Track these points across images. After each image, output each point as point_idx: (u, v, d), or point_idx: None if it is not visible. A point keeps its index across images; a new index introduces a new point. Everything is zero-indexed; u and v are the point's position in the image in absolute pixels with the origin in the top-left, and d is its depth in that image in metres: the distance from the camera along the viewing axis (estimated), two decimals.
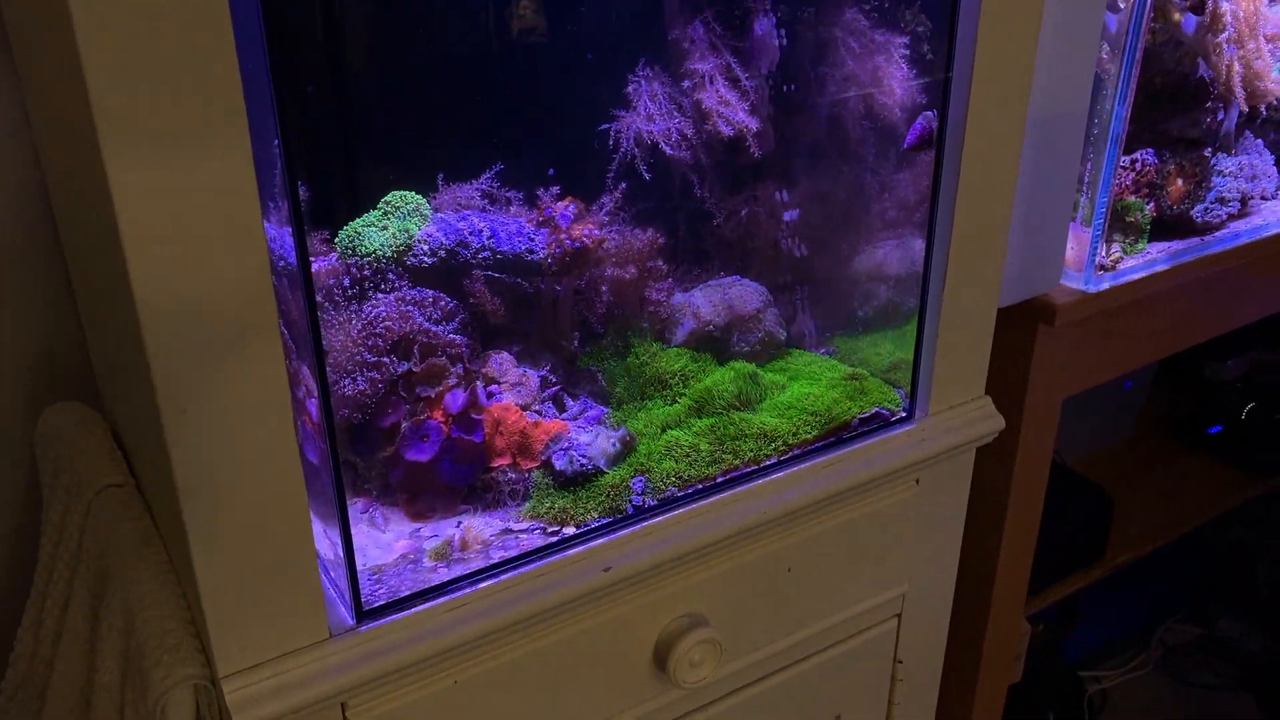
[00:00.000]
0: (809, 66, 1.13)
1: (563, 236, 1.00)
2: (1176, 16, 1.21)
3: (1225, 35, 1.20)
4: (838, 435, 1.05)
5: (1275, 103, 1.25)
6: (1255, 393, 2.13)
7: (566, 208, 1.03)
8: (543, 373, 1.03)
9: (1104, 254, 1.23)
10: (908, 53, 1.06)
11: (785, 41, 1.12)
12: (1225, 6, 1.19)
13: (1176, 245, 1.31)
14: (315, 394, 0.74)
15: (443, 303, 0.97)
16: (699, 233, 1.17)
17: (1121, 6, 1.11)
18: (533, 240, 1.01)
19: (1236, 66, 1.22)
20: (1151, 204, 1.29)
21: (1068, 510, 1.69)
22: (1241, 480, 2.00)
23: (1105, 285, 1.22)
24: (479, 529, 0.91)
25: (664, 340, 1.12)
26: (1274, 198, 1.44)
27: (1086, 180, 1.19)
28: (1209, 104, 1.28)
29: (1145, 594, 2.45)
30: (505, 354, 1.01)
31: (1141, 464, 2.02)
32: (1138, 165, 1.28)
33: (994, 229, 1.02)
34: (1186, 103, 1.28)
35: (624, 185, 1.05)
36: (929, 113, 1.01)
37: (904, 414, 1.09)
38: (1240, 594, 2.42)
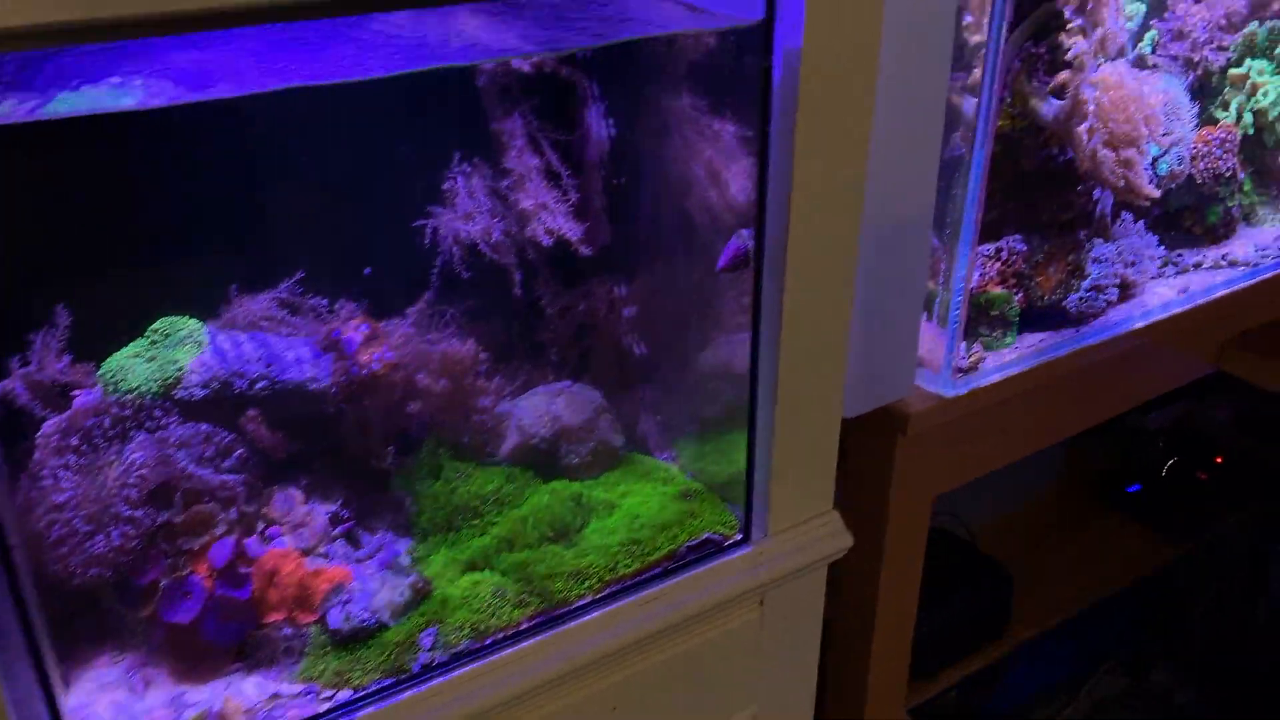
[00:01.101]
0: (641, 159, 1.08)
1: (348, 364, 0.95)
2: (1035, 103, 1.17)
3: (1086, 125, 1.15)
4: (664, 566, 1.00)
5: (1147, 198, 1.21)
6: (1178, 447, 2.10)
7: (357, 329, 0.97)
8: (333, 508, 0.97)
9: (964, 354, 1.18)
10: (744, 145, 1.01)
11: (615, 131, 1.07)
12: (1088, 94, 1.15)
13: (1050, 337, 1.26)
14: None
15: (218, 438, 0.91)
16: (527, 335, 1.12)
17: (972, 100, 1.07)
18: (317, 367, 0.96)
19: (1103, 155, 1.17)
20: (1020, 295, 1.25)
21: (965, 590, 1.65)
22: (1158, 544, 1.97)
23: (965, 389, 1.17)
24: (248, 694, 0.85)
25: (485, 456, 1.07)
26: (1160, 276, 1.40)
27: (942, 277, 1.14)
28: (1080, 188, 1.23)
29: (1075, 644, 2.42)
30: (293, 489, 0.96)
31: (1054, 527, 1.98)
32: (1004, 255, 1.24)
33: (829, 341, 0.97)
34: (1055, 187, 1.23)
35: (441, 288, 1.00)
36: (744, 230, 0.96)
37: (739, 536, 1.05)
38: (1174, 644, 2.39)
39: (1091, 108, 1.15)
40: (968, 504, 1.75)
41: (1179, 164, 1.35)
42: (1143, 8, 1.42)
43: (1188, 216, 1.44)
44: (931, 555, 1.69)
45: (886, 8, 0.86)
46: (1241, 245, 1.46)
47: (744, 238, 0.97)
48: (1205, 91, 1.47)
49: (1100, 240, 1.29)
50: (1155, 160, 1.34)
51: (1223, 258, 1.42)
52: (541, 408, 1.08)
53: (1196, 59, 1.44)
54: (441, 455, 1.05)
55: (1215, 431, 2.09)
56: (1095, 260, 1.27)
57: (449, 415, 1.05)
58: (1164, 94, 1.35)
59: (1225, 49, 1.45)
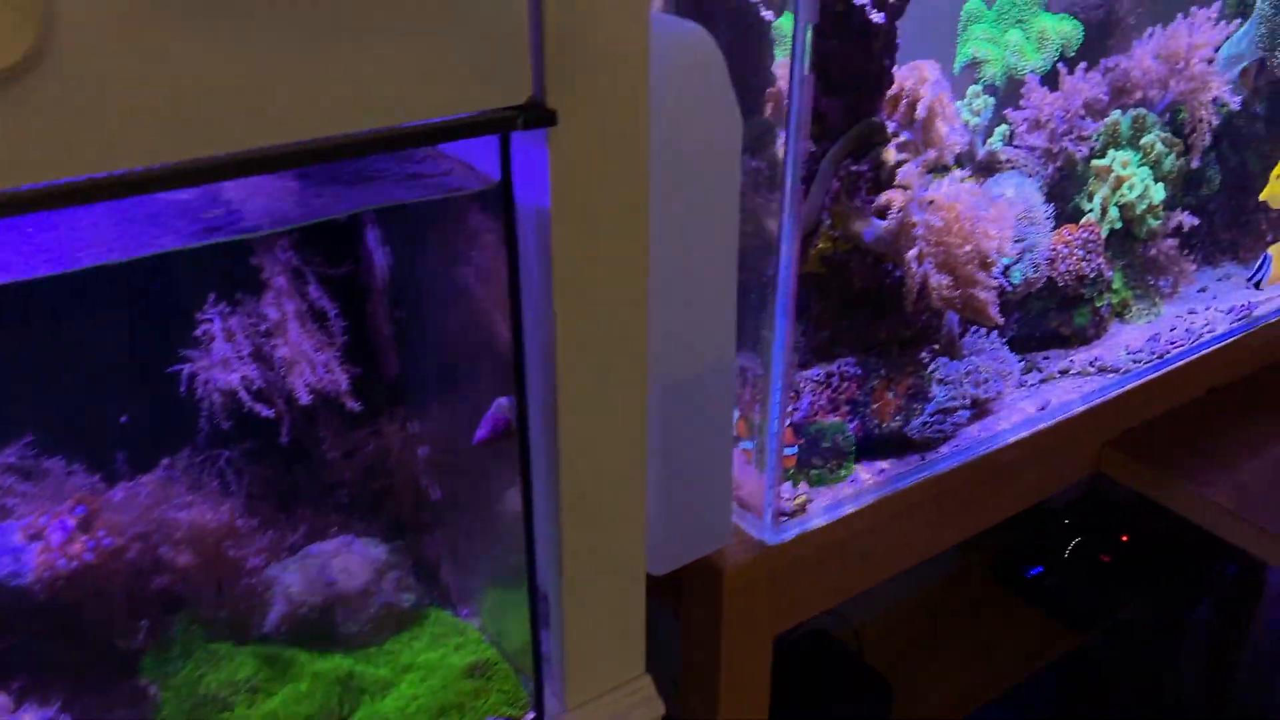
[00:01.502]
0: (426, 293, 0.99)
1: (53, 556, 0.84)
2: (857, 225, 1.08)
3: (915, 251, 1.06)
4: None
5: (991, 321, 1.12)
6: (1083, 525, 2.02)
7: (71, 513, 0.86)
8: (48, 715, 0.86)
9: (789, 495, 1.09)
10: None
11: (397, 265, 0.98)
12: (917, 217, 1.06)
13: (894, 466, 1.17)
14: None
15: None
16: (303, 485, 1.02)
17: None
18: (18, 560, 0.86)
19: (936, 280, 1.08)
20: (856, 423, 1.16)
21: (840, 707, 1.56)
22: (1059, 633, 1.89)
23: (792, 534, 1.08)
24: None
25: (248, 631, 0.96)
26: (1023, 386, 1.31)
27: (757, 416, 1.05)
28: (919, 306, 1.14)
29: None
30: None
31: (947, 620, 1.89)
32: (834, 381, 1.14)
33: (621, 498, 0.89)
34: (892, 306, 1.14)
35: (201, 439, 0.91)
36: (503, 400, 0.87)
37: (530, 716, 0.95)
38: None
39: (920, 231, 1.06)
40: (852, 599, 1.66)
41: (1035, 271, 1.27)
42: (991, 100, 1.34)
43: (1053, 318, 1.35)
44: (804, 666, 1.60)
45: (666, 137, 0.79)
46: (1113, 348, 1.38)
47: (504, 408, 0.87)
48: (1067, 185, 1.39)
49: (946, 359, 1.20)
50: (1007, 269, 1.25)
51: (1092, 363, 1.34)
52: (314, 571, 0.99)
53: (1056, 150, 1.35)
54: (194, 633, 0.95)
55: (1121, 506, 2.01)
56: (940, 382, 1.18)
57: (200, 587, 0.94)
58: (1014, 197, 1.27)
59: (1087, 138, 1.37)
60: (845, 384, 1.16)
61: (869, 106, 1.08)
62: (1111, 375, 1.34)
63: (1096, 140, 1.38)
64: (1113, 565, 1.96)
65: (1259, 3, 1.37)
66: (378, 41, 0.64)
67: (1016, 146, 1.37)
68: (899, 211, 1.07)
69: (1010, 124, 1.38)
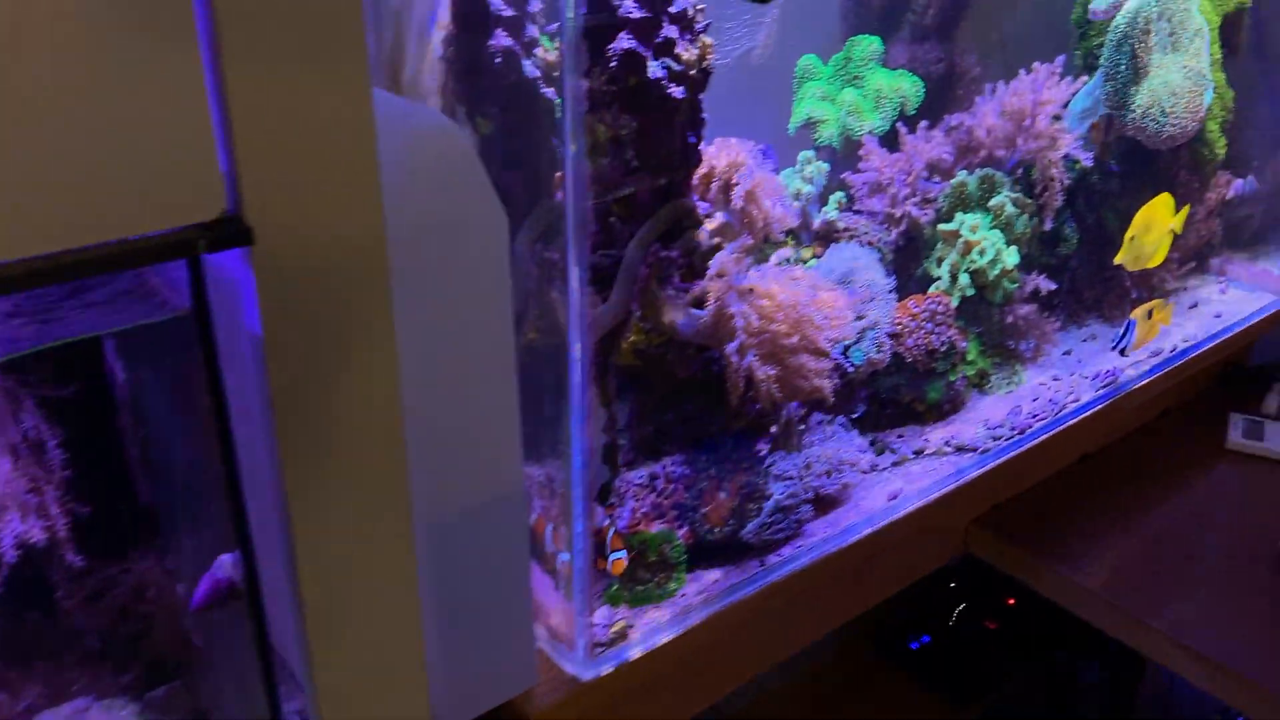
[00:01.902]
0: (168, 409, 0.87)
1: None
2: (670, 316, 0.97)
3: (735, 345, 0.96)
4: None
5: (826, 406, 1.02)
6: (968, 590, 1.94)
7: None
8: None
9: (607, 620, 0.97)
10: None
11: (132, 378, 0.85)
12: (735, 308, 0.96)
13: (731, 574, 1.07)
14: None
15: None
16: (38, 637, 0.88)
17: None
18: None
19: (762, 373, 0.98)
20: (685, 530, 1.04)
21: None
22: (949, 712, 1.80)
23: (611, 665, 0.96)
24: None
25: None
26: (874, 470, 1.22)
27: (561, 539, 0.93)
28: (749, 397, 1.04)
29: None
30: None
31: (830, 704, 1.79)
32: (659, 484, 1.03)
33: (390, 651, 0.77)
34: (719, 397, 1.04)
35: None
36: (225, 557, 0.73)
37: None
38: None
39: (740, 323, 0.96)
40: None
41: (878, 351, 1.18)
42: (825, 166, 1.25)
43: (905, 394, 1.26)
44: None
45: (412, 242, 0.68)
46: (971, 422, 1.30)
47: (226, 566, 0.74)
48: (914, 251, 1.31)
49: (784, 452, 1.09)
50: (848, 349, 1.16)
51: (948, 443, 1.25)
52: None
53: (899, 214, 1.27)
54: None
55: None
56: (779, 478, 1.08)
57: None
58: (850, 271, 1.18)
59: (932, 201, 1.29)
60: (671, 486, 1.05)
61: (678, 187, 0.98)
62: (970, 455, 1.25)
63: (943, 203, 1.30)
64: (999, 632, 1.88)
65: (1103, 58, 1.31)
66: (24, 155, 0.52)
67: (858, 211, 1.29)
68: (715, 302, 0.97)
69: (850, 188, 1.30)
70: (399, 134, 0.72)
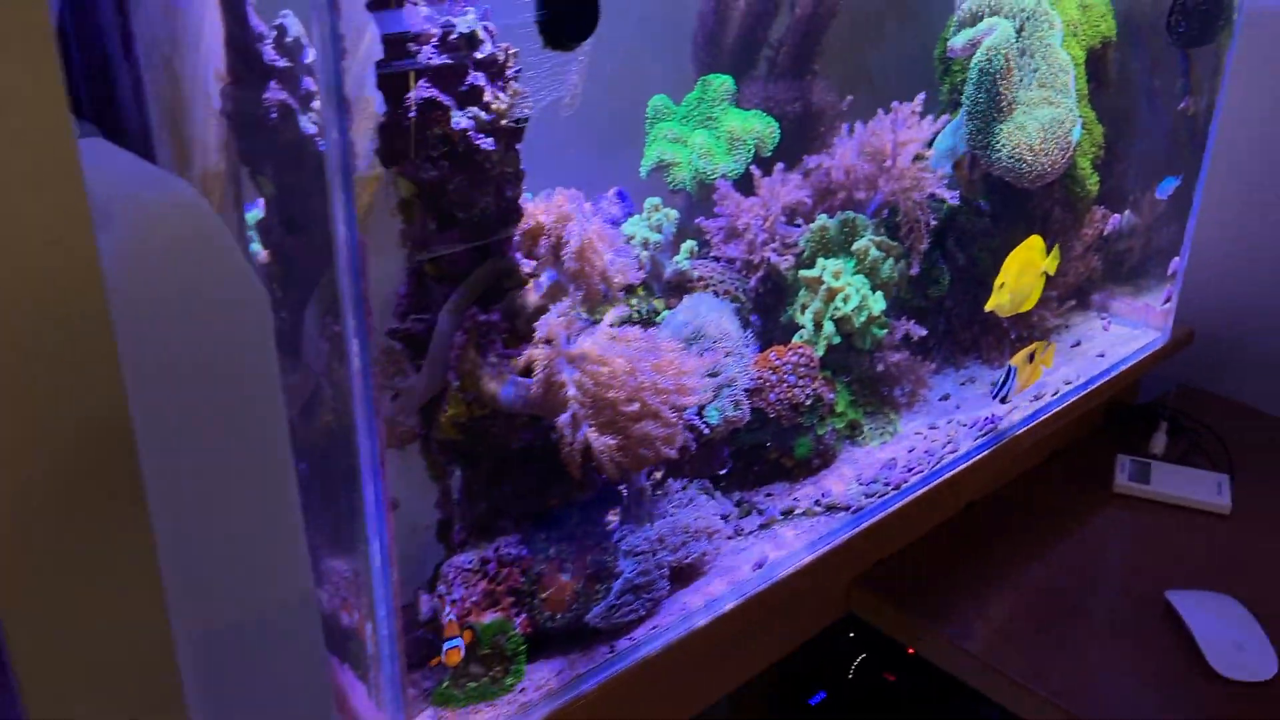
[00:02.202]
0: None
1: None
2: (491, 386, 0.89)
3: (566, 416, 0.88)
4: None
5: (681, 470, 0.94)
6: (868, 640, 1.86)
7: None
8: None
9: None
10: None
11: None
12: (566, 375, 0.88)
13: (578, 662, 0.98)
14: None
15: None
16: None
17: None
18: None
19: (600, 444, 0.90)
20: (524, 618, 0.96)
21: None
22: None
23: None
24: None
25: None
26: (739, 536, 1.14)
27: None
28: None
29: None
30: None
31: None
32: (489, 568, 0.94)
33: None
34: (554, 471, 0.96)
35: None
36: None
37: None
38: None
39: (572, 391, 0.87)
40: None
41: (736, 408, 1.10)
42: (674, 213, 1.18)
43: (771, 451, 1.19)
44: None
45: (148, 337, 0.60)
46: (844, 479, 1.23)
47: None
48: (776, 299, 1.25)
49: (634, 525, 1.01)
50: (702, 409, 1.09)
51: (818, 501, 1.18)
52: None
53: (756, 261, 1.21)
54: None
55: None
56: (629, 554, 1.00)
57: None
58: (701, 326, 1.11)
59: (791, 246, 1.23)
60: (506, 570, 0.96)
61: (497, 245, 0.90)
62: (842, 514, 1.18)
63: (805, 248, 1.24)
64: (899, 684, 1.81)
65: (965, 96, 1.27)
66: None
67: (715, 258, 1.22)
68: (543, 370, 0.89)
69: (705, 234, 1.23)
70: (127, 211, 0.63)
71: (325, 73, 0.65)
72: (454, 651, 0.92)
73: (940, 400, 1.40)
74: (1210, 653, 1.17)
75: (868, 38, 1.43)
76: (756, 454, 1.20)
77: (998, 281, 1.23)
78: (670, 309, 1.15)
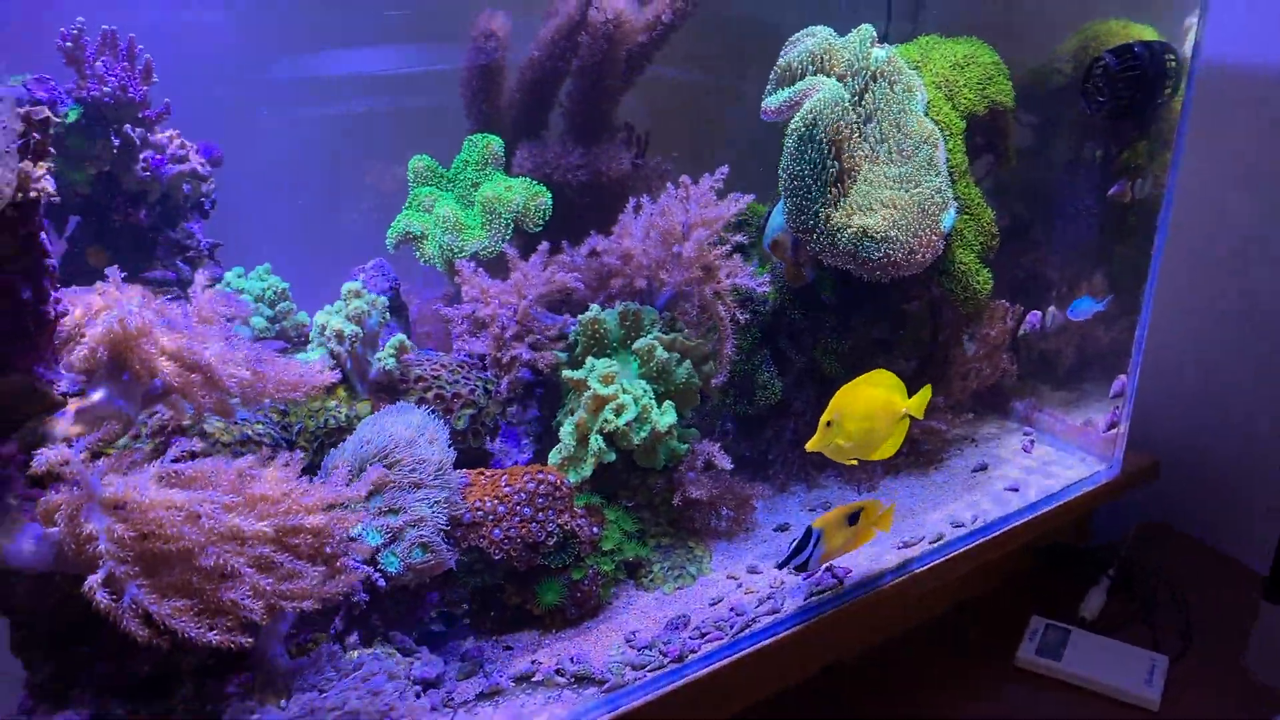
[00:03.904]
0: None
1: None
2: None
3: (101, 575, 0.68)
4: None
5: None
6: None
7: None
8: None
9: None
10: None
11: None
12: (96, 524, 0.68)
13: None
14: None
15: None
16: None
17: None
18: None
19: (163, 609, 0.70)
20: None
21: None
22: None
23: None
24: None
25: None
26: (438, 710, 0.92)
27: None
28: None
29: None
30: None
31: None
32: None
33: None
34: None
35: None
36: None
37: None
38: None
39: (105, 545, 0.67)
40: None
41: (426, 553, 0.89)
42: (382, 300, 0.97)
43: (511, 596, 0.97)
44: None
45: None
46: (608, 636, 0.99)
47: None
48: (550, 405, 1.03)
49: (265, 702, 0.80)
50: (376, 554, 0.87)
51: (560, 670, 0.95)
52: None
53: (505, 359, 0.99)
54: None
55: None
56: None
57: None
58: (390, 448, 0.89)
59: (558, 340, 1.01)
60: None
61: (12, 360, 0.71)
62: (591, 690, 0.94)
63: (577, 343, 1.02)
64: None
65: (781, 168, 1.04)
66: None
67: (464, 353, 1.01)
68: (68, 520, 0.69)
69: (449, 323, 1.02)
70: None
71: None
72: None
73: (776, 531, 1.15)
74: None
75: (708, 96, 1.20)
76: (493, 595, 0.98)
77: (824, 418, 0.96)
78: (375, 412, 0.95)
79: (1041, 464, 1.32)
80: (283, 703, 0.83)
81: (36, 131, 0.70)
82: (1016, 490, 1.25)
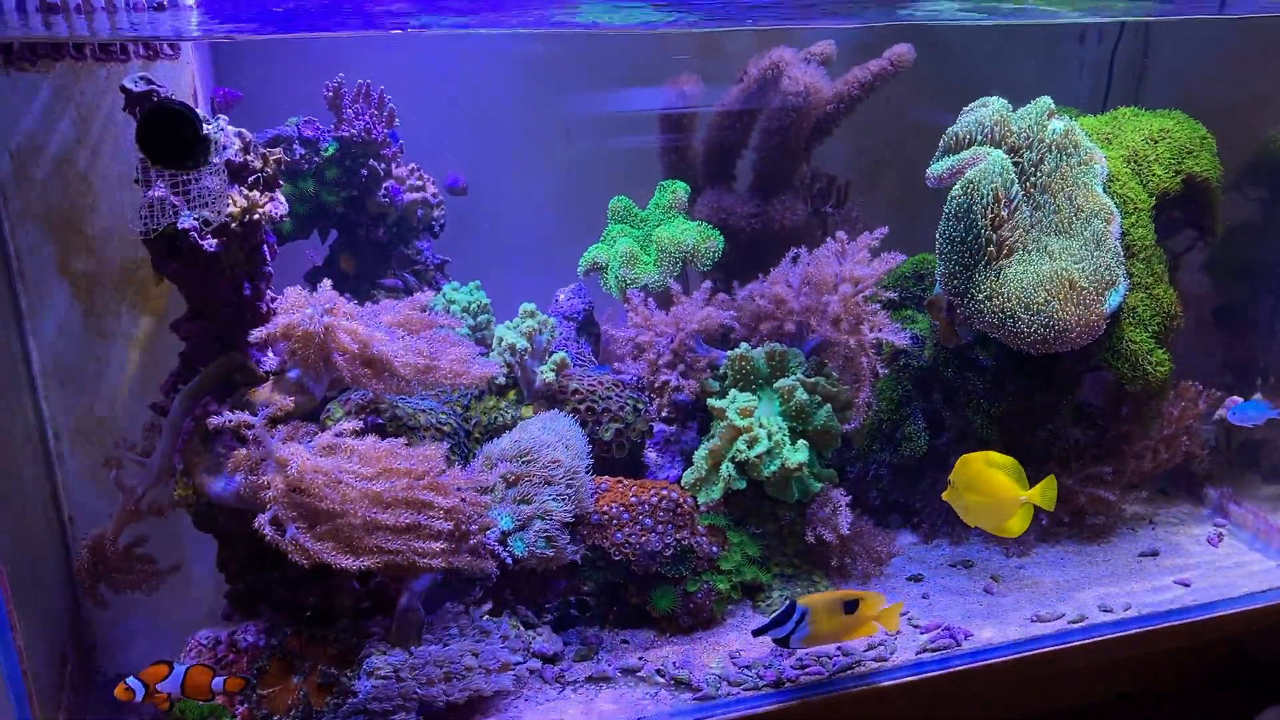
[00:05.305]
0: None
1: None
2: (204, 478, 0.90)
3: (268, 515, 0.88)
4: None
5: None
6: None
7: None
8: None
9: None
10: None
11: None
12: (269, 476, 0.88)
13: None
14: None
15: None
16: None
17: None
18: None
19: (318, 546, 0.89)
20: (244, 708, 0.96)
21: None
22: None
23: None
24: None
25: None
26: (554, 683, 1.05)
27: None
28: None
29: None
30: None
31: None
32: (220, 650, 0.96)
33: None
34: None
35: None
36: None
37: None
38: None
39: (271, 493, 0.86)
40: None
41: (548, 545, 1.02)
42: (552, 321, 1.11)
43: (632, 595, 1.09)
44: None
45: None
46: (717, 649, 1.09)
47: None
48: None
49: (391, 644, 0.97)
50: (506, 536, 1.02)
51: (660, 671, 1.05)
52: None
53: (658, 383, 1.10)
54: None
55: None
56: (369, 674, 0.96)
57: None
58: (535, 448, 1.03)
59: (703, 370, 1.11)
60: (235, 656, 0.97)
61: (232, 340, 0.91)
62: (686, 696, 1.03)
63: (728, 375, 1.11)
64: None
65: (939, 231, 1.07)
66: None
67: (618, 372, 1.13)
68: (248, 471, 0.88)
69: (614, 345, 1.15)
70: None
71: None
72: (123, 688, 0.90)
73: (909, 580, 1.20)
74: None
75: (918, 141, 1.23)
76: (618, 593, 1.10)
77: (951, 475, 1.01)
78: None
79: (1227, 560, 1.25)
80: (411, 648, 0.99)
81: (269, 167, 0.89)
82: (1188, 585, 1.19)
